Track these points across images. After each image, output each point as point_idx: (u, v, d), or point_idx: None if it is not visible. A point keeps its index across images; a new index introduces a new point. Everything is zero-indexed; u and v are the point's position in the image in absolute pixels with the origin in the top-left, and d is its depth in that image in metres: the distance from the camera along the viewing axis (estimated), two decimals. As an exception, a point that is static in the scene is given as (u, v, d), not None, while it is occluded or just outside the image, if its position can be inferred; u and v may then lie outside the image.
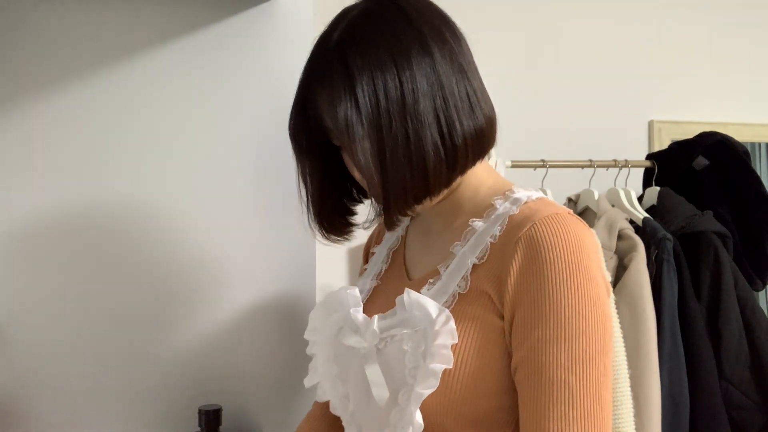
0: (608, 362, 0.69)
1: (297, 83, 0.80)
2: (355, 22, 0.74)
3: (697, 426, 1.37)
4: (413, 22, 0.73)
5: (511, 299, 0.70)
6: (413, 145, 0.71)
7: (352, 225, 0.89)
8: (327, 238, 0.88)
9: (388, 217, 0.75)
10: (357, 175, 0.78)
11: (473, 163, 0.77)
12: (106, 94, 1.09)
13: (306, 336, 0.87)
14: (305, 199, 0.85)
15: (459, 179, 0.78)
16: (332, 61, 0.73)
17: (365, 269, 0.97)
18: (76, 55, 1.07)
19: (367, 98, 0.70)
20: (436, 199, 0.78)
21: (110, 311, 1.08)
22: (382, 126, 0.71)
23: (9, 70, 1.04)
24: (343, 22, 0.75)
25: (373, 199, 0.83)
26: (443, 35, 0.75)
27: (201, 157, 1.13)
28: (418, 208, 0.77)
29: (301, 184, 0.84)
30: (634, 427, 1.24)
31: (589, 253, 0.70)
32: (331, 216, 0.86)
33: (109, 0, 1.08)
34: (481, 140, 0.76)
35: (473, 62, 0.78)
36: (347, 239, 0.89)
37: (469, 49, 0.78)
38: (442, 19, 0.76)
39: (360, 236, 1.06)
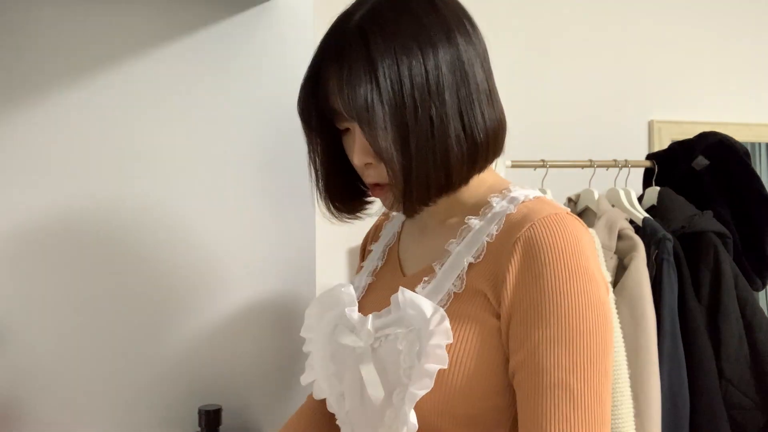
0: (609, 363, 0.68)
1: (296, 83, 0.79)
2: (379, 4, 0.72)
3: (697, 426, 1.37)
4: (439, 12, 0.73)
5: (509, 300, 0.69)
6: (437, 138, 0.71)
7: (365, 203, 0.88)
8: (338, 218, 0.86)
9: (409, 206, 0.74)
10: (357, 160, 0.76)
11: (490, 161, 0.77)
12: (106, 94, 1.09)
13: (302, 333, 0.87)
14: (314, 177, 0.83)
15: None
16: (352, 41, 0.71)
17: (362, 267, 0.96)
18: (76, 55, 1.07)
19: (388, 82, 0.69)
20: (456, 195, 0.77)
21: (110, 311, 1.08)
22: (405, 112, 0.69)
23: (9, 70, 1.04)
24: (366, 4, 0.73)
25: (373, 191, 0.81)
26: (466, 28, 0.74)
27: (201, 156, 1.13)
28: (438, 200, 0.76)
29: (311, 163, 0.83)
30: (634, 427, 1.24)
31: (588, 253, 0.70)
32: (342, 195, 0.85)
33: (109, 0, 1.08)
34: (497, 138, 0.76)
35: (489, 59, 0.77)
36: (359, 218, 0.88)
37: (485, 46, 0.77)
38: (464, 13, 0.76)
39: (361, 235, 1.06)
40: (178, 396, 1.11)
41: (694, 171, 1.65)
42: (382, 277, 0.89)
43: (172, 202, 1.11)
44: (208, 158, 1.13)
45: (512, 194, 0.77)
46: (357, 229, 0.97)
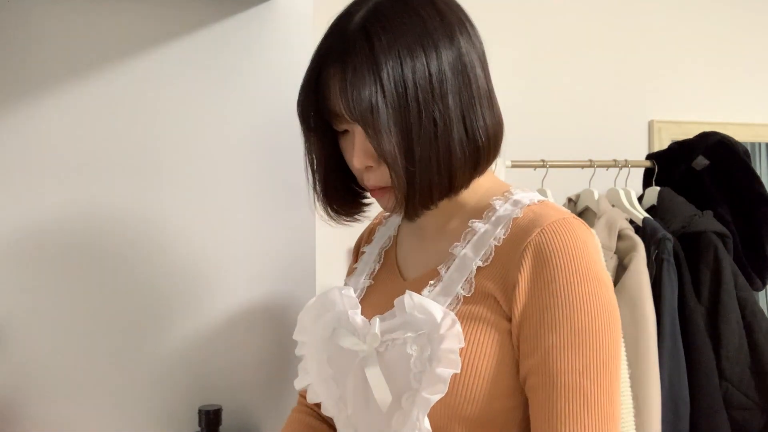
0: (618, 365, 0.69)
1: (296, 83, 0.79)
2: (380, 4, 0.71)
3: (697, 426, 1.37)
4: (441, 13, 0.72)
5: (521, 305, 0.69)
6: (441, 140, 0.70)
7: (363, 206, 0.86)
8: (336, 221, 0.85)
9: (411, 209, 0.73)
10: (357, 163, 0.75)
11: (490, 163, 0.77)
12: (105, 94, 1.09)
13: (295, 337, 0.85)
14: (312, 179, 0.82)
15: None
16: (355, 42, 0.70)
17: (355, 268, 0.95)
18: (75, 55, 1.07)
19: (392, 83, 0.68)
20: (455, 198, 0.77)
21: (110, 311, 1.08)
22: (409, 114, 0.69)
23: (9, 70, 1.04)
24: (367, 4, 0.72)
25: (369, 194, 0.81)
26: (467, 29, 0.74)
27: (201, 157, 1.13)
28: (440, 204, 0.75)
29: (308, 165, 0.81)
30: (634, 427, 1.24)
31: (596, 257, 0.71)
32: (340, 197, 0.84)
33: (109, 0, 1.08)
34: (497, 141, 0.76)
35: (487, 60, 0.77)
36: (358, 221, 0.87)
37: (483, 48, 0.77)
38: (464, 14, 0.76)
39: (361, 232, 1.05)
40: (178, 396, 1.11)
41: (694, 171, 1.65)
42: (380, 281, 0.88)
43: (171, 202, 1.11)
44: (208, 158, 1.13)
45: (515, 197, 0.77)
46: (357, 230, 0.97)
